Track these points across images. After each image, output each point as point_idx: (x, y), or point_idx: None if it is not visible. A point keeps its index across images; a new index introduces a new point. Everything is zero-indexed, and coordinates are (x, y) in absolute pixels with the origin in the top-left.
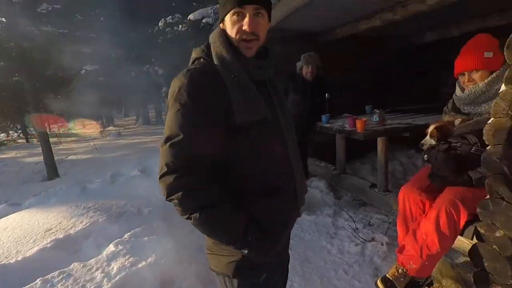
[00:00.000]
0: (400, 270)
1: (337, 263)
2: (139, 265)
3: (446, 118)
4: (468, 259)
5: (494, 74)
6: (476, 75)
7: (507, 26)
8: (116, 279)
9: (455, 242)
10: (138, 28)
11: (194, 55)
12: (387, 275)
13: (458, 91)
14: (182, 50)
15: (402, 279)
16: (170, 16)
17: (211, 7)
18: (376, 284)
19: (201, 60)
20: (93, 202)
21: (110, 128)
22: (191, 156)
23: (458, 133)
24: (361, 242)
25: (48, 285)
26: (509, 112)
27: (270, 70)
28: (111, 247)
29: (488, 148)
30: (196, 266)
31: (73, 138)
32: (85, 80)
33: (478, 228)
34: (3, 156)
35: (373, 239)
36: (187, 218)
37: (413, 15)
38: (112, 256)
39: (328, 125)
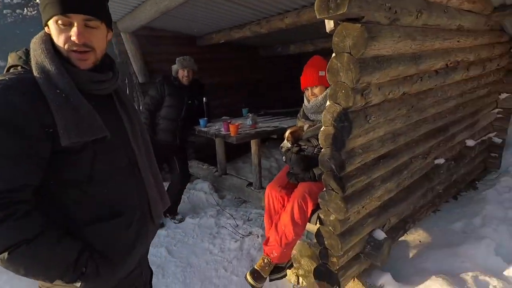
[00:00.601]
0: (265, 260)
1: (218, 262)
2: None
3: (299, 123)
4: None
5: (327, 90)
6: (316, 90)
7: None
8: None
9: (310, 226)
10: None
11: (10, 60)
12: (255, 267)
13: (305, 101)
14: (30, 39)
15: (267, 268)
16: None
17: None
18: (245, 278)
19: (18, 68)
20: None
21: None
22: None
23: (305, 137)
24: (240, 237)
25: None
26: (333, 122)
27: (113, 83)
28: None
29: (322, 150)
30: None
31: None
32: None
33: (320, 214)
34: None
35: (250, 233)
36: None
37: (276, 29)
38: None
39: (205, 129)
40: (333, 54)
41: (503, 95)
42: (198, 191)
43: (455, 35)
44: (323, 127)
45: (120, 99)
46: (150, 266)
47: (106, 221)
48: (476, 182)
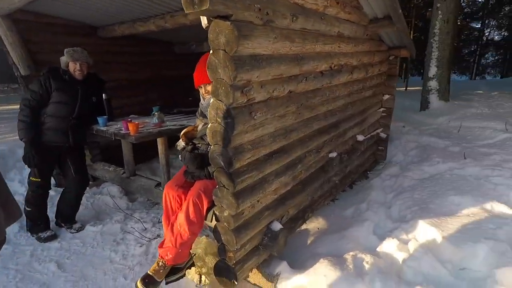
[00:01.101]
0: (160, 263)
1: (118, 270)
2: None
3: (198, 121)
4: None
5: None
6: (209, 87)
7: None
8: None
9: (209, 224)
10: None
11: None
12: (148, 272)
13: (201, 99)
14: None
15: (161, 271)
16: None
17: None
18: (136, 286)
19: None
20: None
21: None
22: None
23: (199, 135)
24: (147, 241)
25: None
26: (217, 119)
27: None
28: None
29: (211, 147)
30: None
31: None
32: None
33: (215, 211)
34: None
35: (158, 236)
36: None
37: (181, 25)
38: None
39: (104, 128)
40: (210, 51)
41: (386, 96)
42: (105, 195)
43: (336, 40)
44: (209, 124)
45: None
46: (32, 284)
47: None
48: (368, 172)
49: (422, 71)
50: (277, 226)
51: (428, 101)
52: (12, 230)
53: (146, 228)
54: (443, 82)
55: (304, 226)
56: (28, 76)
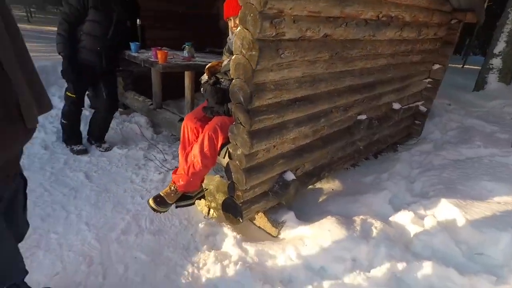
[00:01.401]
0: (172, 187)
1: (137, 190)
2: None
3: (224, 57)
4: None
5: None
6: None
7: None
8: None
9: (222, 161)
10: None
11: None
12: (160, 193)
13: (230, 34)
14: None
15: (172, 195)
16: None
17: None
18: (148, 202)
19: None
20: None
21: None
22: None
23: (223, 70)
24: (166, 171)
25: None
26: (242, 50)
27: None
28: None
29: (233, 80)
30: None
31: None
32: None
33: (229, 148)
34: None
35: (176, 168)
36: None
37: None
38: None
39: (135, 54)
40: None
41: (436, 66)
42: (133, 124)
43: None
44: (234, 55)
45: None
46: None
47: None
48: (398, 145)
49: (486, 50)
50: (290, 176)
51: (486, 81)
52: (50, 139)
53: (166, 159)
54: (508, 62)
55: (318, 185)
56: None
